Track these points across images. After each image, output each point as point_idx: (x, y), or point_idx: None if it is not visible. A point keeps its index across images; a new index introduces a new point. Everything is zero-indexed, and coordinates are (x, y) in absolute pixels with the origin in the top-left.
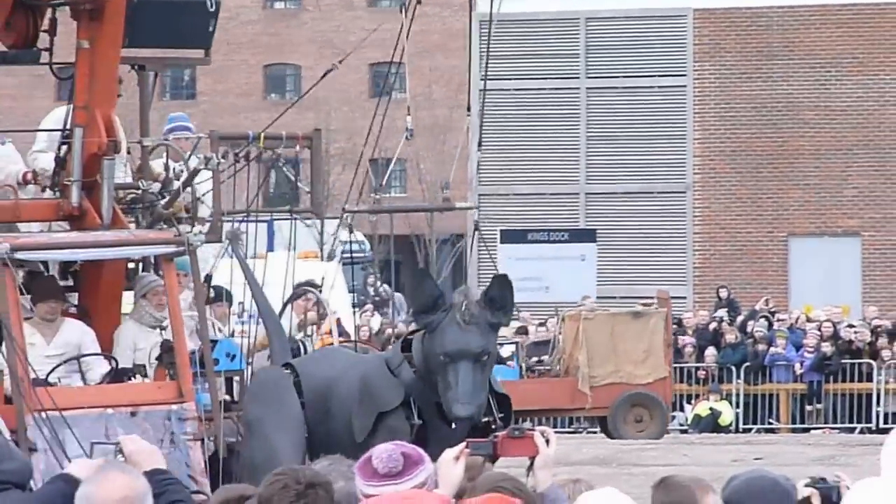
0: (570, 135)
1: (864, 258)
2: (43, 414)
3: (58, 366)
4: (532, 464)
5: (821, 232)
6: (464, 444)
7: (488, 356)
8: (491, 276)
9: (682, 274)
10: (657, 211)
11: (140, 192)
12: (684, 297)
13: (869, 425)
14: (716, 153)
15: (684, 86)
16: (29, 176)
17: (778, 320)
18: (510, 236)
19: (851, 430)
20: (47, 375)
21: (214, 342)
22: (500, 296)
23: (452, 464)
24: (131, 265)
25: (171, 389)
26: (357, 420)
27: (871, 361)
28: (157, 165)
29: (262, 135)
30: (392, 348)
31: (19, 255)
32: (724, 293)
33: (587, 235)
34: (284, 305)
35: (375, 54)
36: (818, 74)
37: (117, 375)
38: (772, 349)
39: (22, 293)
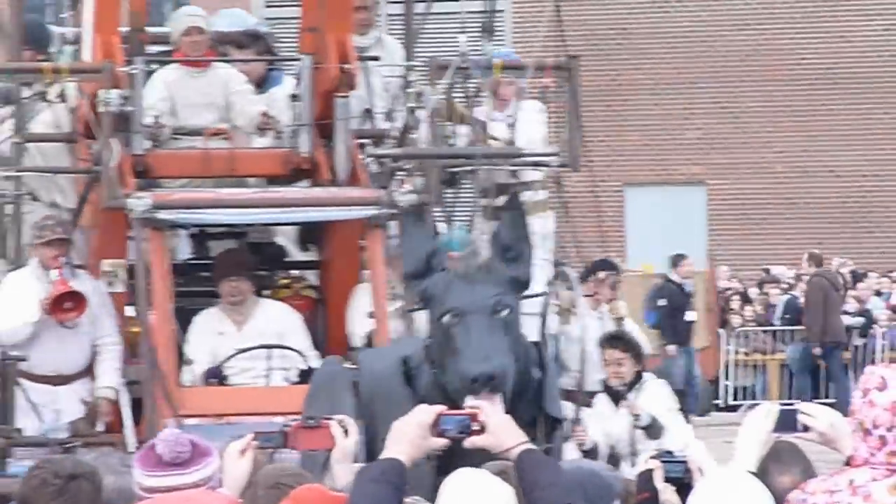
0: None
1: (710, 210)
2: (188, 422)
3: (229, 357)
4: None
5: (661, 181)
6: (250, 435)
7: (509, 310)
8: None
9: None
10: None
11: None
12: None
13: (715, 402)
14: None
15: (502, 10)
16: (264, 118)
17: None
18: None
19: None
20: (219, 371)
21: None
22: (514, 241)
23: (237, 458)
24: None
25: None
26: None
27: (720, 329)
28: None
29: (501, 63)
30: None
31: (164, 215)
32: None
33: None
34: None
35: None
36: None
37: (303, 375)
38: None
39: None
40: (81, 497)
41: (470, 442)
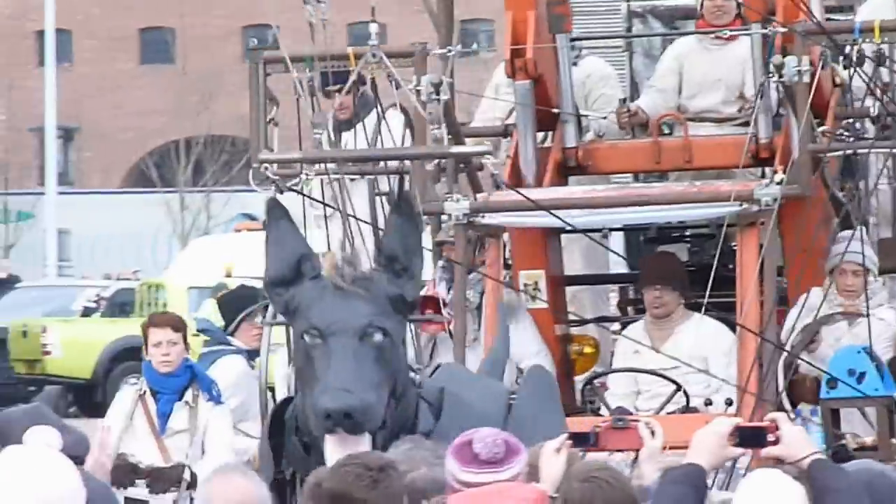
0: None
1: None
2: None
3: (592, 378)
4: (637, 456)
5: None
6: (565, 435)
7: (383, 335)
8: None
9: None
10: None
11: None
12: None
13: None
14: None
15: None
16: (622, 110)
17: None
18: None
19: None
20: (583, 390)
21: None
22: (403, 250)
23: (553, 456)
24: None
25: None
26: None
27: None
28: None
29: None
30: None
31: (486, 220)
32: None
33: None
34: None
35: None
36: None
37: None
38: None
39: None
40: (395, 486)
41: (765, 452)
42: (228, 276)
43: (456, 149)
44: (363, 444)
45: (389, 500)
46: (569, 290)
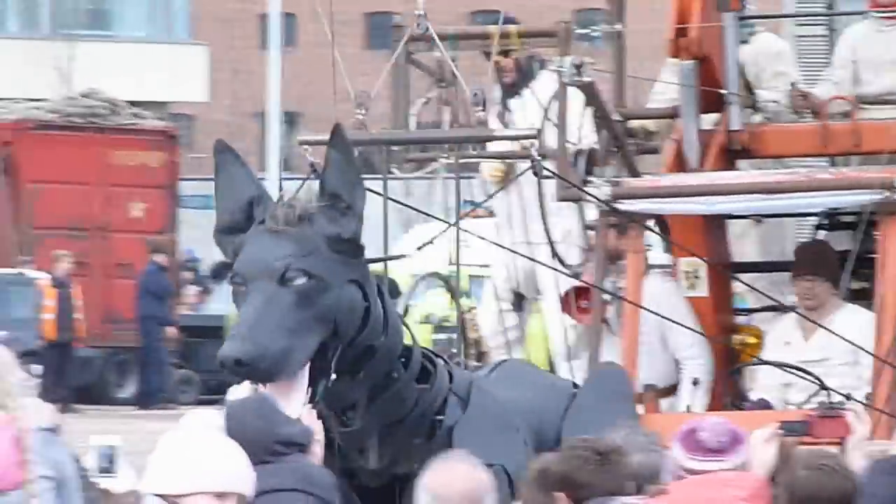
0: None
1: None
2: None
3: (739, 366)
4: (844, 444)
5: None
6: (776, 424)
7: (308, 279)
8: None
9: None
10: None
11: None
12: None
13: None
14: None
15: None
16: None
17: None
18: None
19: None
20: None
21: None
22: (344, 187)
23: (765, 445)
24: None
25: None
26: None
27: None
28: None
29: None
30: None
31: (625, 206)
32: None
33: None
34: None
35: None
36: None
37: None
38: None
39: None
40: (621, 471)
41: None
42: (452, 263)
43: (498, 132)
44: (295, 390)
45: (614, 485)
46: (746, 278)
